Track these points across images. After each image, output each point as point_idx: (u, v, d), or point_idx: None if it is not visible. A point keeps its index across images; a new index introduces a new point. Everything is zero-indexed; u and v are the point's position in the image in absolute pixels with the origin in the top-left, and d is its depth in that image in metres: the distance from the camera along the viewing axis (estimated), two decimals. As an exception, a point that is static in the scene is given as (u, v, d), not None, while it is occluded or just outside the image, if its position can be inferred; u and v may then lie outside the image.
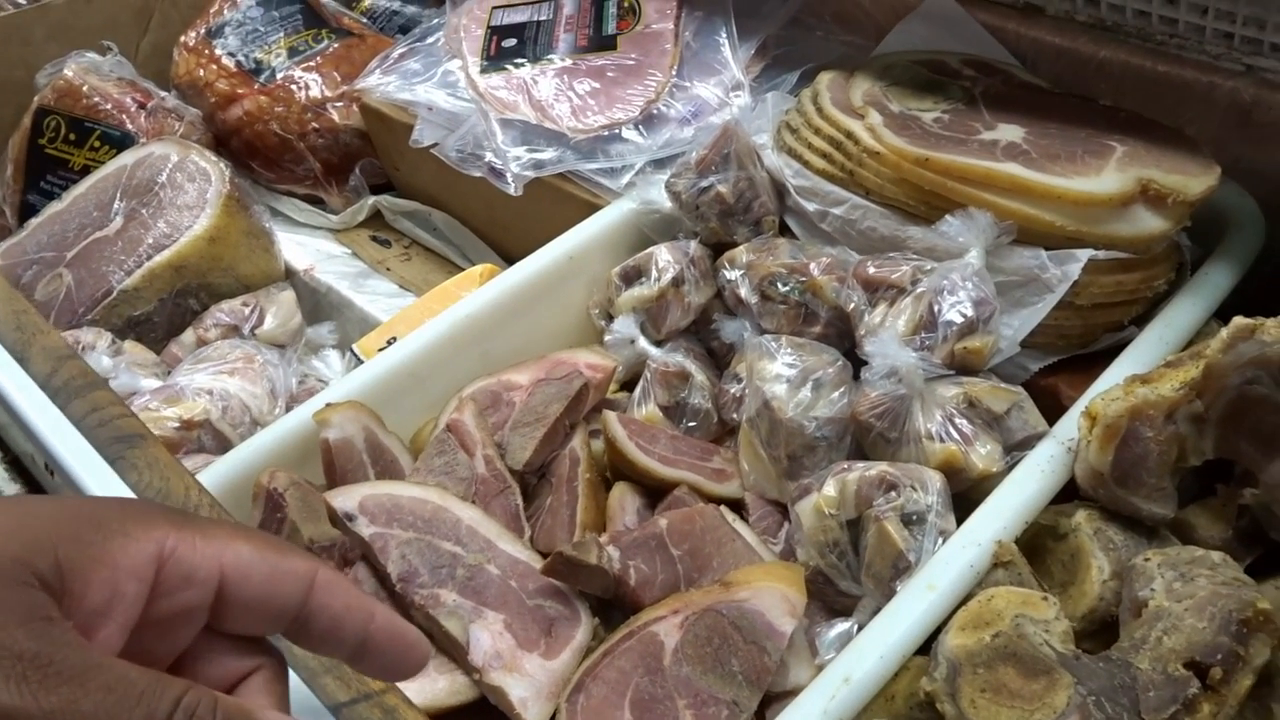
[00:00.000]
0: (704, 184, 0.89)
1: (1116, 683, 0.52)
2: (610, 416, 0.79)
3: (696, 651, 0.64)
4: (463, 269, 1.18)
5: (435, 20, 1.26)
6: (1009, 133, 0.83)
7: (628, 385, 0.92)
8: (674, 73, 1.03)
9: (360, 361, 0.99)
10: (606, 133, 1.01)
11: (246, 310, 1.11)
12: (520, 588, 0.70)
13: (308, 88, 1.27)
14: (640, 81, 1.03)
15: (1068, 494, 0.68)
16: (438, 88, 1.13)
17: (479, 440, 0.80)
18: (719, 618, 0.65)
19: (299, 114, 1.26)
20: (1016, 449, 0.70)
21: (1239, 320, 0.61)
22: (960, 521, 0.66)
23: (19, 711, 0.30)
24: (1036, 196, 0.76)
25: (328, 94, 1.27)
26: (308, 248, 1.26)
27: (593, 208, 0.99)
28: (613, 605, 0.70)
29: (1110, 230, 0.76)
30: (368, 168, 1.29)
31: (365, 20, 1.43)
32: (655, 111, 1.01)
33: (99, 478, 0.62)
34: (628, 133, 1.00)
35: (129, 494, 0.61)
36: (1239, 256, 0.82)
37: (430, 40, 1.22)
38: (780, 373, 0.77)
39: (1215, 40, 0.86)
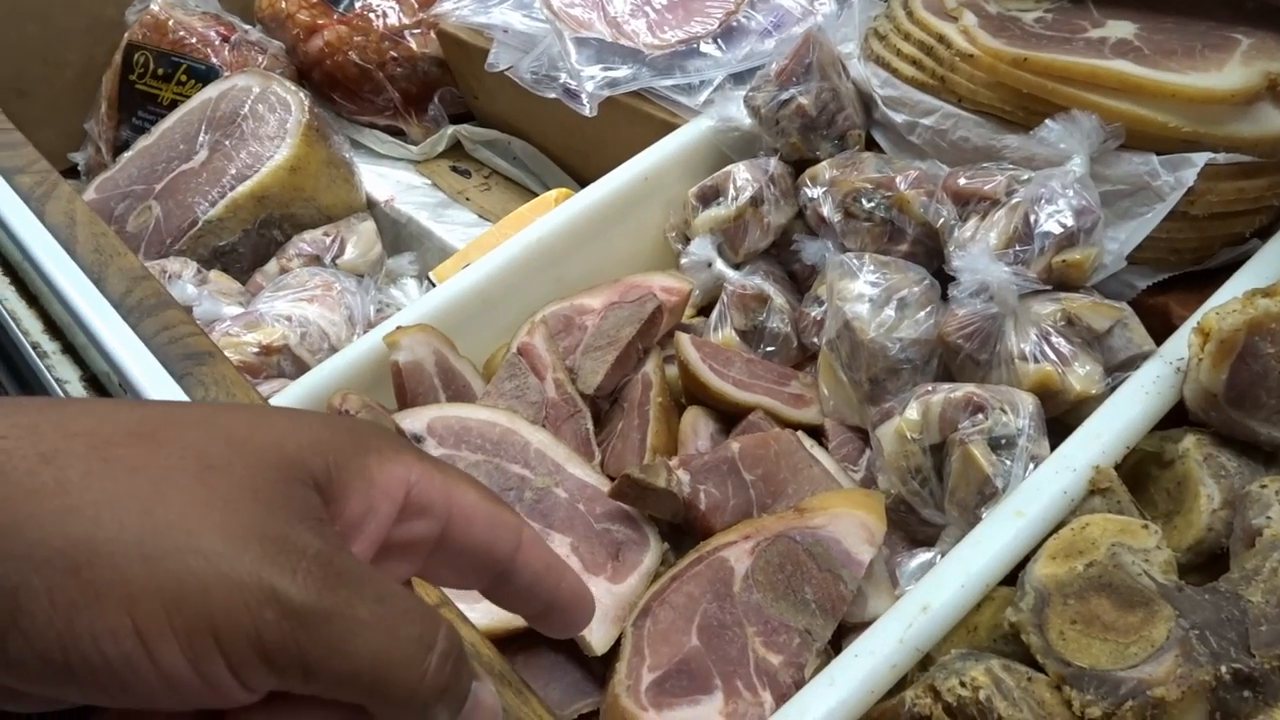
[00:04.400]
0: (784, 96, 0.85)
1: (1224, 616, 0.47)
2: (683, 338, 0.76)
3: (768, 578, 0.62)
4: (541, 197, 1.16)
5: (516, -58, 1.22)
6: (1119, 29, 0.76)
7: (704, 310, 0.89)
8: (755, -18, 0.98)
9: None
10: (684, 48, 0.96)
11: (328, 240, 1.11)
12: (588, 511, 0.68)
13: (385, 16, 1.26)
14: (718, -5, 0.98)
15: (1176, 419, 0.63)
16: (513, 9, 1.10)
17: (550, 364, 0.78)
18: (792, 544, 0.62)
19: (377, 43, 1.24)
20: (1119, 370, 0.65)
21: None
22: (1056, 447, 0.61)
23: (304, 608, 0.28)
24: (1148, 95, 0.70)
25: (405, 21, 1.25)
26: (388, 179, 1.26)
27: (670, 127, 0.95)
28: (683, 531, 0.68)
29: (1232, 131, 0.69)
30: (446, 97, 1.27)
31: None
32: (735, 24, 0.96)
33: (166, 394, 0.62)
34: (705, 47, 0.95)
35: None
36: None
37: (509, -38, 1.19)
38: (863, 291, 0.73)
39: (1361, -82, 0.76)
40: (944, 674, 0.49)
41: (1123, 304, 0.67)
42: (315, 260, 1.09)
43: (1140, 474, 0.62)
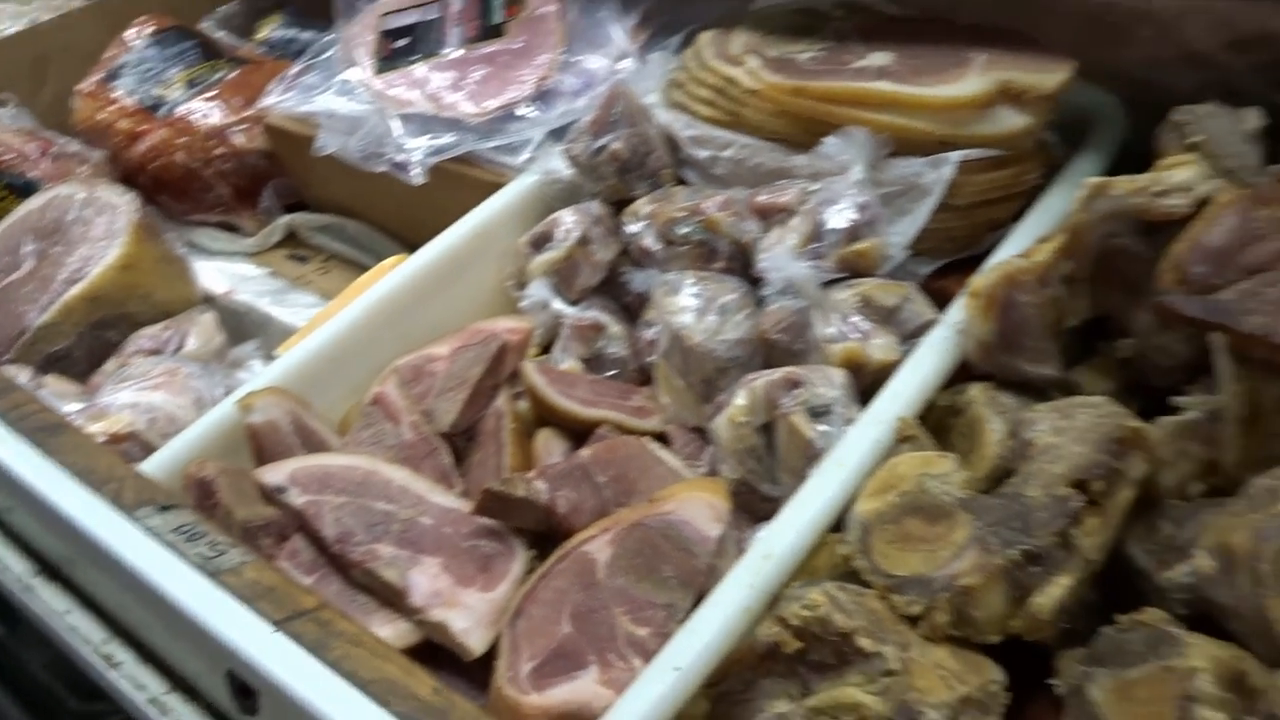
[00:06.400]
0: (598, 144, 0.92)
1: (1011, 512, 0.55)
2: (528, 365, 0.81)
3: (629, 563, 0.66)
4: (382, 273, 1.20)
5: (331, 37, 1.28)
6: (879, 59, 0.87)
7: (547, 349, 0.95)
8: (563, 50, 1.06)
9: (285, 364, 1.01)
10: (503, 113, 1.03)
11: (167, 334, 1.11)
12: (455, 533, 0.71)
13: (208, 116, 1.28)
14: (531, 62, 1.06)
15: (964, 379, 0.71)
16: (336, 96, 1.15)
17: (404, 408, 0.82)
18: (647, 530, 0.67)
19: (202, 142, 1.27)
20: (911, 338, 0.74)
21: (1091, 179, 0.65)
22: (868, 412, 0.69)
23: None
24: (906, 107, 0.81)
25: (229, 119, 1.28)
26: (225, 272, 1.27)
27: (497, 186, 1.02)
28: (547, 539, 0.72)
29: (977, 130, 0.80)
30: (279, 187, 1.30)
31: (264, 49, 1.45)
32: (548, 88, 1.04)
33: (29, 465, 0.63)
34: (523, 110, 1.03)
35: (60, 476, 0.62)
36: (1105, 148, 0.87)
37: (326, 55, 1.24)
38: (686, 304, 0.80)
39: (1057, -47, 0.91)
40: (787, 602, 0.55)
41: (906, 282, 0.76)
42: (154, 354, 1.09)
43: (941, 427, 0.70)
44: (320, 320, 1.03)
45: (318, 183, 1.27)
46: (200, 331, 1.13)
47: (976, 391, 0.68)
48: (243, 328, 1.22)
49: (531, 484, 0.70)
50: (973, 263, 0.84)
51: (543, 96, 1.04)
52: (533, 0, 1.13)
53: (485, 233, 0.97)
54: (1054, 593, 0.52)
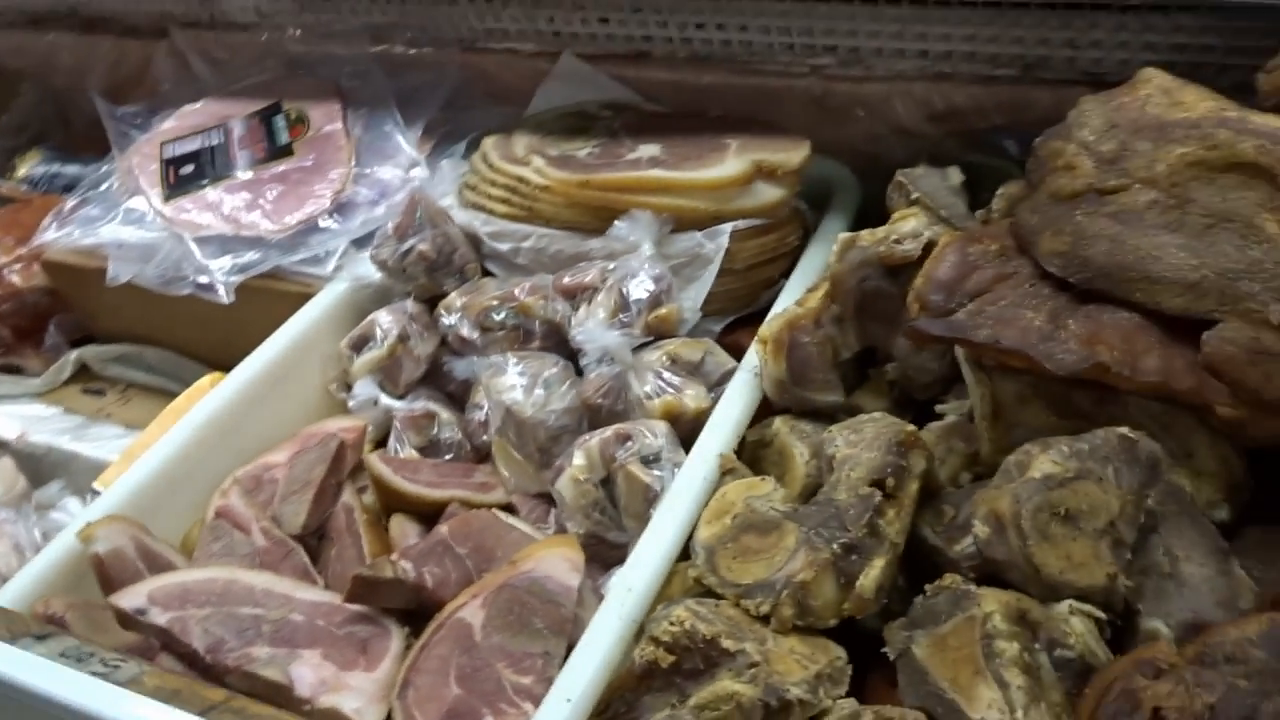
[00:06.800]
0: (405, 247, 0.99)
1: (827, 515, 0.65)
2: (372, 458, 0.86)
3: (502, 621, 0.72)
4: (188, 396, 1.19)
5: (104, 169, 1.28)
6: (648, 150, 1.00)
7: (379, 444, 0.99)
8: (353, 163, 1.13)
9: (105, 496, 0.99)
10: (303, 226, 1.08)
11: (-36, 485, 1.06)
12: (328, 623, 0.74)
13: (-24, 260, 1.24)
14: (324, 177, 1.11)
15: (764, 415, 0.83)
16: (123, 225, 1.16)
17: (252, 516, 0.84)
18: (514, 589, 0.73)
19: (-24, 285, 1.23)
20: (716, 386, 0.85)
21: (842, 235, 0.79)
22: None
23: None
24: (680, 189, 0.93)
25: (3, 260, 1.25)
26: (13, 416, 1.22)
27: (307, 297, 1.06)
28: (415, 615, 0.77)
29: (741, 205, 0.94)
30: (62, 323, 1.27)
31: (26, 187, 1.41)
32: (345, 199, 1.10)
33: None
34: (324, 222, 1.08)
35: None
36: (846, 209, 1.03)
37: (102, 188, 1.24)
38: (513, 382, 0.87)
39: (782, 52, 1.07)
40: (655, 624, 0.63)
41: (705, 339, 0.88)
42: (-45, 508, 1.04)
43: (754, 457, 0.81)
44: (142, 446, 1.03)
45: (107, 314, 1.26)
46: (1, 478, 1.09)
47: (779, 424, 0.80)
48: (42, 470, 1.18)
49: (398, 564, 0.75)
50: (754, 318, 0.97)
51: (340, 208, 1.09)
52: (316, 120, 1.19)
53: (303, 341, 1.01)
54: (873, 574, 0.63)
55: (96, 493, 1.03)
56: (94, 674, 0.57)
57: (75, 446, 1.17)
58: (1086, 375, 0.66)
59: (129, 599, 0.74)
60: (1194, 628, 0.59)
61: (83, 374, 1.28)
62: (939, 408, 0.79)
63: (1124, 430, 0.63)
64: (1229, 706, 0.46)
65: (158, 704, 0.55)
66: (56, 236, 1.20)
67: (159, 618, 0.73)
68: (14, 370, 1.27)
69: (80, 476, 1.16)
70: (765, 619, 0.63)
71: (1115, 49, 0.93)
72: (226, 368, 1.21)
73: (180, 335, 1.22)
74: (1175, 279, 0.65)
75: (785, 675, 0.59)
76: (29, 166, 1.47)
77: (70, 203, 1.23)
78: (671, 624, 0.62)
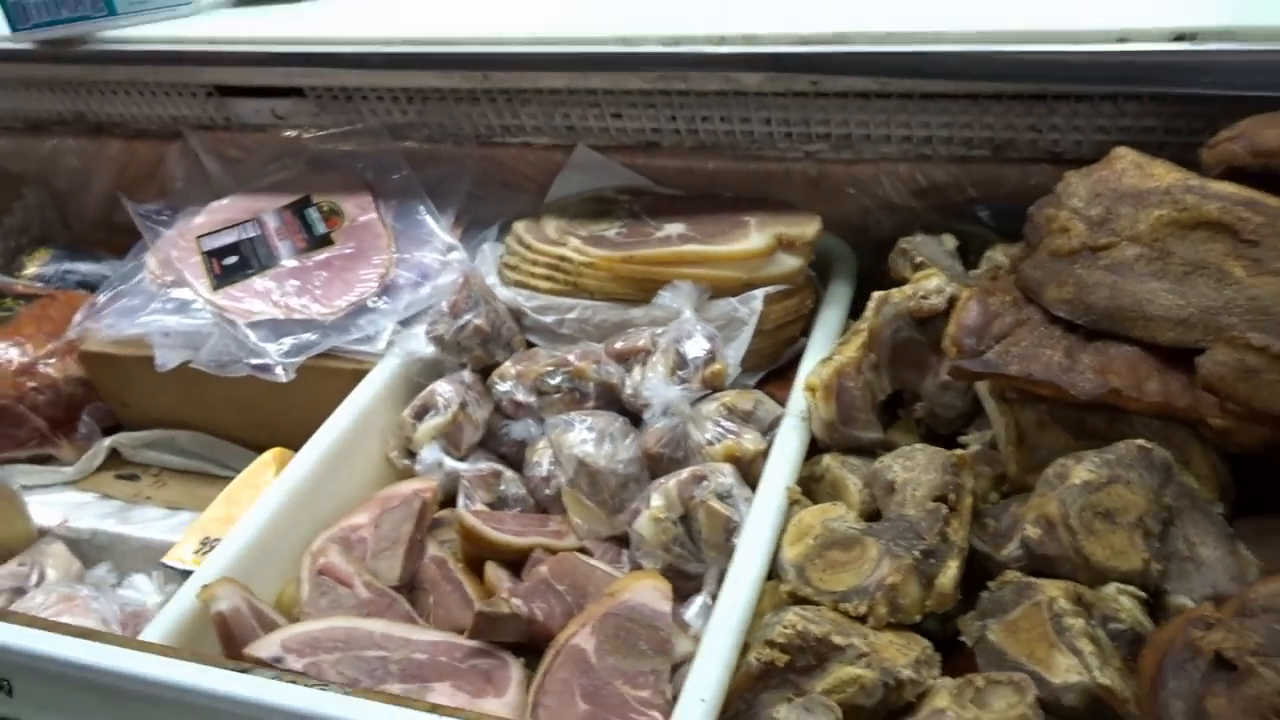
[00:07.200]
0: (461, 323, 1.09)
1: (901, 529, 0.77)
2: (462, 511, 0.94)
3: (612, 645, 0.81)
4: (225, 477, 1.25)
5: (130, 266, 1.34)
6: (674, 229, 1.12)
7: (444, 504, 1.07)
8: (393, 249, 1.22)
9: (178, 571, 1.04)
10: (352, 309, 1.16)
11: (25, 569, 1.10)
12: (450, 659, 0.82)
13: (11, 353, 1.29)
14: (368, 263, 1.20)
15: (812, 455, 0.94)
16: (168, 314, 1.22)
17: (353, 571, 0.91)
18: (617, 617, 0.82)
19: (13, 379, 1.27)
20: (769, 430, 0.96)
21: (876, 294, 0.92)
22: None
23: None
24: (715, 261, 1.05)
25: (36, 354, 1.29)
26: (52, 504, 1.25)
27: (361, 374, 1.14)
28: (526, 648, 0.84)
29: (767, 273, 1.06)
30: (95, 412, 1.32)
31: (40, 283, 1.46)
32: (390, 282, 1.19)
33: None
34: (373, 303, 1.16)
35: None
36: (847, 276, 1.16)
37: (135, 281, 1.30)
38: (584, 437, 0.97)
39: (781, 140, 1.21)
40: (767, 629, 0.73)
41: (753, 390, 0.99)
42: (19, 592, 1.07)
43: (808, 491, 0.92)
44: (212, 521, 1.08)
45: (140, 403, 1.31)
46: (56, 562, 1.13)
47: (829, 460, 0.91)
48: (87, 554, 1.21)
49: (511, 601, 0.83)
50: (778, 373, 1.09)
51: (387, 290, 1.18)
52: (350, 211, 1.28)
53: (366, 413, 1.09)
54: (950, 573, 0.74)
55: (167, 565, 1.08)
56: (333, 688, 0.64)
57: (122, 529, 1.21)
58: (1103, 400, 0.79)
59: (264, 649, 0.81)
60: (1214, 600, 0.72)
61: (113, 461, 1.33)
62: (962, 439, 0.92)
63: (1140, 441, 0.76)
64: (1275, 641, 0.58)
65: (391, 707, 0.62)
66: (95, 328, 1.25)
67: (295, 664, 0.80)
68: (46, 460, 1.31)
69: (127, 559, 1.20)
70: (862, 619, 0.74)
71: (1070, 131, 1.10)
72: (262, 447, 1.28)
73: (219, 419, 1.28)
74: (1167, 316, 0.80)
75: (894, 660, 0.70)
76: (39, 265, 1.52)
77: (103, 297, 1.29)
78: (785, 627, 0.72)
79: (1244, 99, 0.93)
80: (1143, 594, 0.72)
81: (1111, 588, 0.72)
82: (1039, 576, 0.75)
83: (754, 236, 1.08)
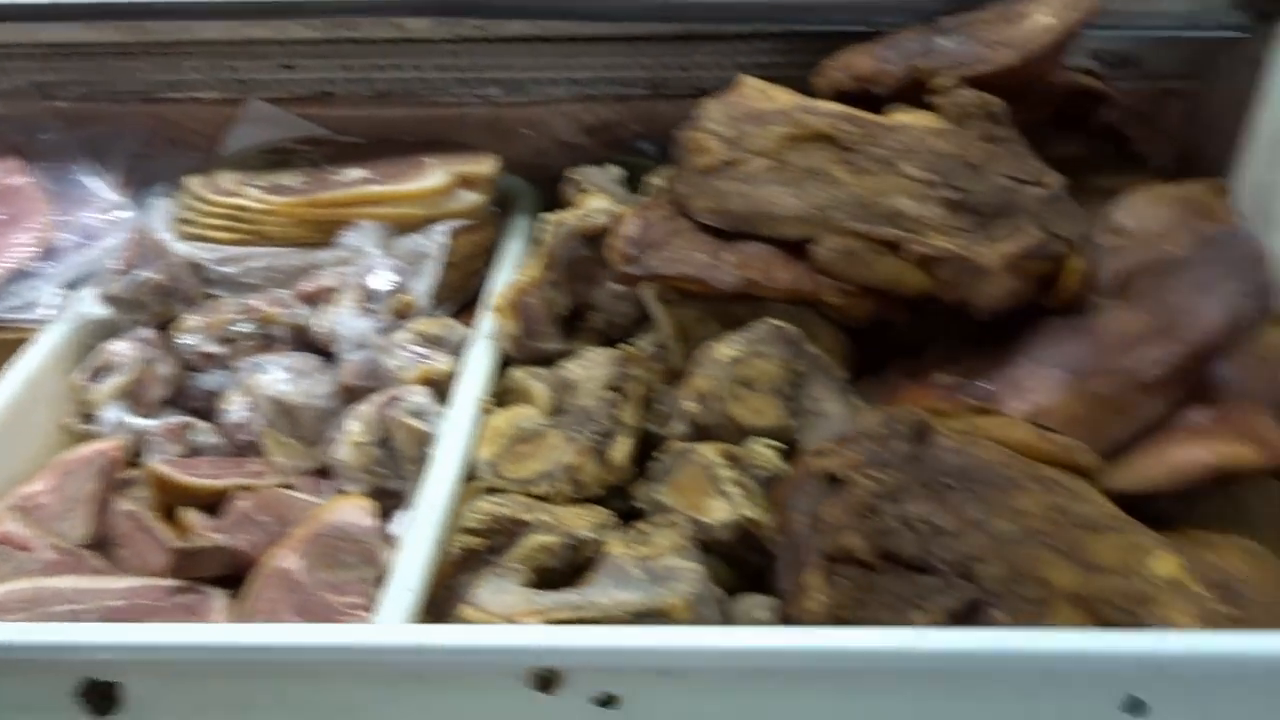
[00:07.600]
0: (138, 279, 1.05)
1: (580, 418, 0.85)
2: (151, 462, 0.92)
3: (319, 563, 0.83)
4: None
5: None
6: (355, 173, 1.14)
7: (131, 465, 1.03)
8: (51, 212, 1.15)
9: None
10: (9, 275, 1.09)
11: None
12: (149, 601, 0.81)
13: None
14: (24, 227, 1.13)
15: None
16: None
17: (34, 535, 0.87)
18: (322, 537, 0.85)
19: None
20: (460, 352, 1.01)
21: (550, 217, 1.00)
22: (448, 409, 0.94)
23: None
24: (396, 200, 1.09)
25: None
26: None
27: (20, 343, 1.07)
28: (233, 579, 0.85)
29: (450, 208, 1.11)
30: None
31: None
32: (52, 246, 1.12)
33: None
34: (34, 266, 1.10)
35: None
36: (528, 212, 1.23)
37: None
38: (278, 377, 0.98)
39: (455, 86, 1.26)
40: (463, 520, 0.78)
41: (443, 317, 1.04)
42: None
43: (500, 403, 0.98)
44: None
45: None
46: None
47: (519, 372, 0.98)
48: None
49: (212, 535, 0.83)
50: (468, 307, 1.14)
51: (49, 254, 1.12)
52: (-3, 176, 1.19)
53: (34, 382, 1.03)
54: (622, 450, 0.83)
55: None
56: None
57: None
58: (743, 290, 0.90)
59: (-65, 618, 0.76)
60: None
61: None
62: (635, 343, 1.01)
63: (773, 320, 0.88)
64: (870, 458, 0.71)
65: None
66: None
67: (-26, 627, 0.76)
68: None
69: None
70: (545, 499, 0.81)
71: (714, 69, 1.23)
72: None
73: None
74: (789, 215, 0.92)
75: (575, 526, 0.77)
76: None
77: None
78: (477, 514, 0.78)
79: (846, 34, 1.09)
80: (782, 445, 0.84)
81: (757, 443, 0.83)
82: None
83: (433, 174, 1.12)
